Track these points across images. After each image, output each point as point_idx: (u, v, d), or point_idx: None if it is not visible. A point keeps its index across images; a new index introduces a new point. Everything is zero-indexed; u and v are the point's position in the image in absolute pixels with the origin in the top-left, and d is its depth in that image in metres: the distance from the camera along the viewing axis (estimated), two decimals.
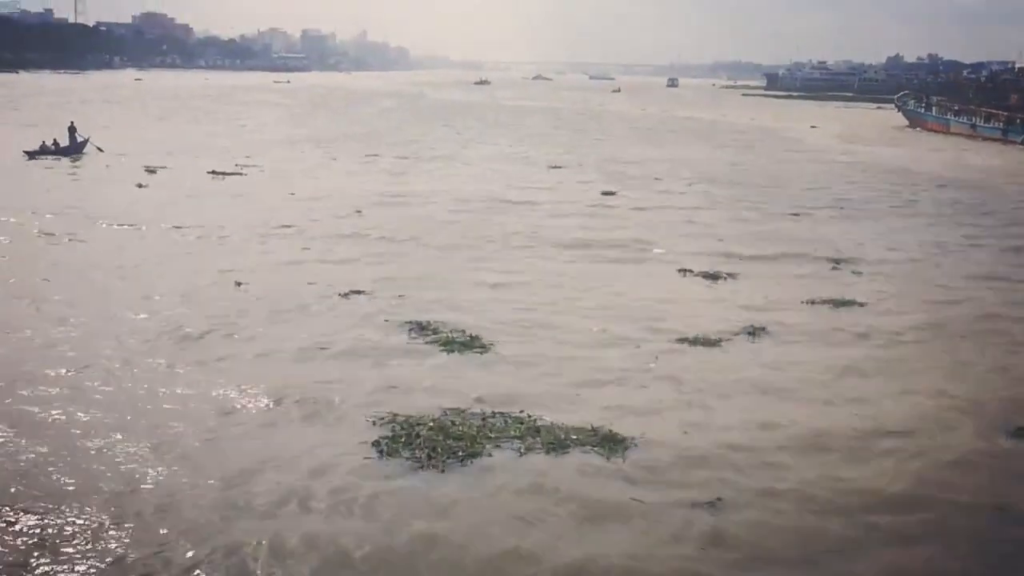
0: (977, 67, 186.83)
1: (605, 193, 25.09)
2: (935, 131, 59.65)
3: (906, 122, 66.87)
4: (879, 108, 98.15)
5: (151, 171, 26.74)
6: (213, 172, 26.40)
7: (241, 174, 26.84)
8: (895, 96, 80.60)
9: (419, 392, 9.30)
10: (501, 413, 8.68)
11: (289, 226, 18.61)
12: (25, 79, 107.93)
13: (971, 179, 32.25)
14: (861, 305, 13.44)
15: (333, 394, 9.19)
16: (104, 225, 18.31)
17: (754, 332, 11.78)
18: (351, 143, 38.69)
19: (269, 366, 10.04)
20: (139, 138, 37.33)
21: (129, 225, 18.32)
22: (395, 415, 8.56)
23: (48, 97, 67.81)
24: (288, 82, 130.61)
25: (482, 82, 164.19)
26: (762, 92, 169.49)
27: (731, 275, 15.22)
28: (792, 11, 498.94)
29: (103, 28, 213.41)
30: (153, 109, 59.24)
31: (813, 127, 60.25)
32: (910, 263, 17.17)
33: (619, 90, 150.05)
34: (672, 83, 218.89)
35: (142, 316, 11.74)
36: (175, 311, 11.98)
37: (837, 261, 16.68)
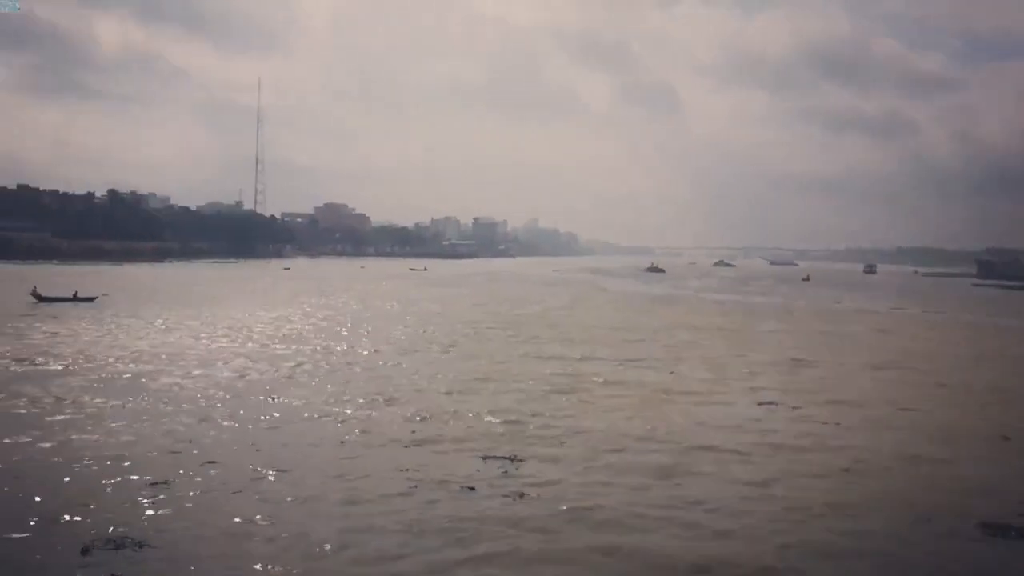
0: None
1: None
2: None
3: None
4: None
5: None
6: None
7: None
8: None
9: None
10: None
11: None
12: (149, 270, 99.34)
13: None
14: None
15: None
16: None
17: None
18: (467, 423, 18.74)
19: None
20: None
21: None
22: None
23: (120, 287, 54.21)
24: (425, 269, 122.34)
25: (655, 269, 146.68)
26: (1000, 284, 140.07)
27: None
28: (977, 192, 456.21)
29: (279, 218, 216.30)
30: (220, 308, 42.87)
31: None
32: None
33: (808, 278, 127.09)
34: (870, 270, 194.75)
35: None
36: None
37: None
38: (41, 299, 43.75)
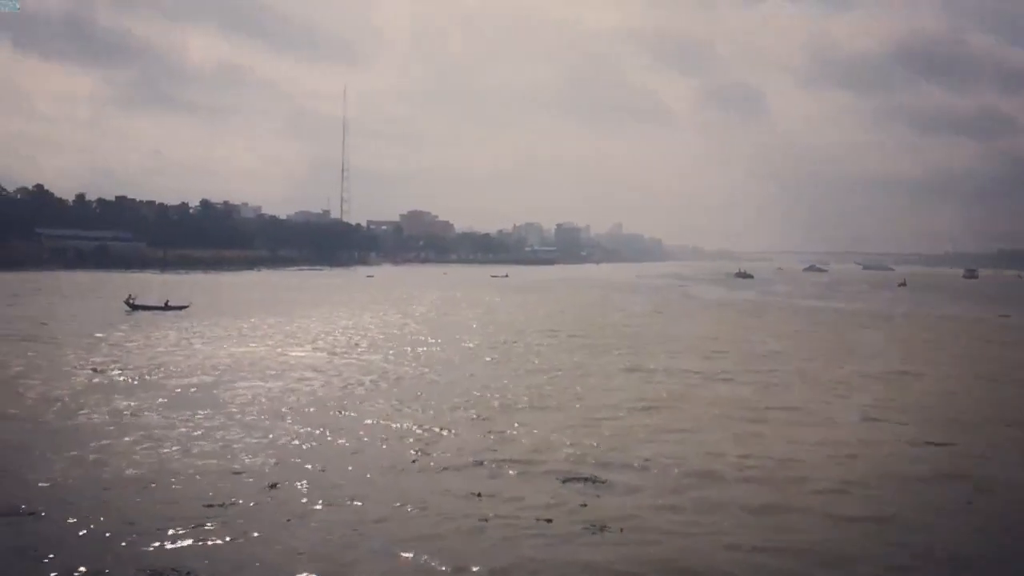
0: None
1: None
2: None
3: None
4: None
5: None
6: None
7: None
8: None
9: None
10: None
11: None
12: (239, 278, 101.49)
13: None
14: None
15: None
16: None
17: None
18: None
19: None
20: None
21: None
22: None
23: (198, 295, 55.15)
24: (506, 276, 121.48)
25: (743, 274, 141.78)
26: None
27: None
28: None
29: (364, 226, 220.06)
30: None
31: None
32: None
33: (904, 283, 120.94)
34: (970, 274, 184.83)
35: None
36: None
37: None
38: (135, 307, 44.68)
